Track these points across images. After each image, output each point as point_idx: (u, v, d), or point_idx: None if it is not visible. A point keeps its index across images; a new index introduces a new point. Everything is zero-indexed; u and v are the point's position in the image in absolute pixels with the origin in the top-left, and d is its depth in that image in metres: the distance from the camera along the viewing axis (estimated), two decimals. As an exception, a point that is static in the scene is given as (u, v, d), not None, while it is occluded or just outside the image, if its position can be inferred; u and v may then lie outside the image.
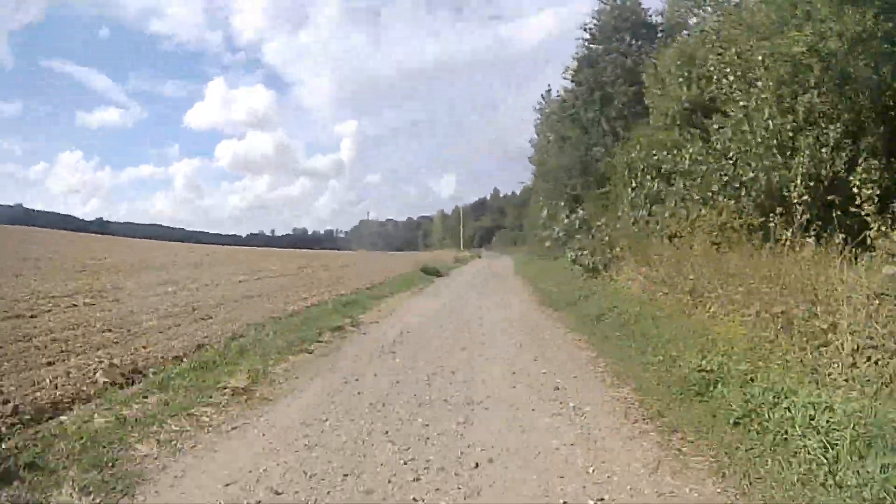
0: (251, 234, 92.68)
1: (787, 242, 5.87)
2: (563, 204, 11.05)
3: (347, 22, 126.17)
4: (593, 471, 2.83)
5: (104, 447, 3.04)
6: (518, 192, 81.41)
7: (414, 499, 2.56)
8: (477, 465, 2.93)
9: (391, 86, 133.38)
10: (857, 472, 2.39)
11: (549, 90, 25.76)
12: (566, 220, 10.69)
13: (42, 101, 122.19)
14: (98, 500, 2.50)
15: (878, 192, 4.89)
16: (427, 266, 18.17)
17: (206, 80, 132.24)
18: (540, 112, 26.97)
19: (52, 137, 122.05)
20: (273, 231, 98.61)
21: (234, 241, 74.98)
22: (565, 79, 19.31)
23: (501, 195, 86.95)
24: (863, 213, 4.75)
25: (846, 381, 3.32)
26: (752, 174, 7.07)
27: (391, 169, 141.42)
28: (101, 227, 69.01)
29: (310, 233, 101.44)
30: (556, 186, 19.25)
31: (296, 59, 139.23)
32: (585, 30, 18.21)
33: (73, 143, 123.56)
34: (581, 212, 10.78)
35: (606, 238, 9.89)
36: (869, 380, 3.24)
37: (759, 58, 7.46)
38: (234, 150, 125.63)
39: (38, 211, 72.52)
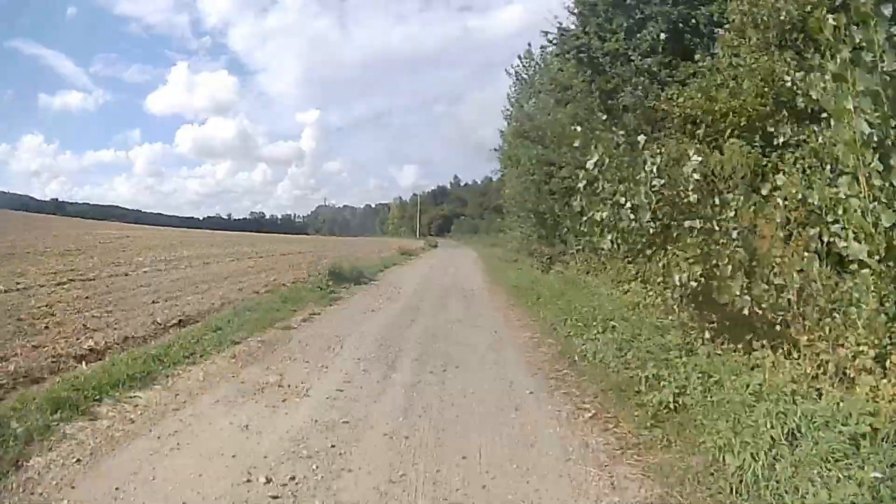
0: (208, 217, 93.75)
1: None
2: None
3: (314, 7, 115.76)
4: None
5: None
6: (479, 181, 76.25)
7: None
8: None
9: (356, 75, 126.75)
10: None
11: (529, 48, 19.73)
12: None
13: (6, 82, 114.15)
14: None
15: None
16: (340, 269, 10.77)
17: (170, 65, 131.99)
18: (516, 76, 21.03)
19: (14, 119, 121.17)
20: (230, 215, 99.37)
21: (189, 223, 77.32)
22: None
23: (462, 184, 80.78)
24: None
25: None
26: None
27: (353, 158, 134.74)
28: (56, 207, 73.10)
29: (267, 217, 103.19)
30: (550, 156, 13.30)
31: (261, 44, 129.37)
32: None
33: (35, 126, 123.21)
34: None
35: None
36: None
37: None
38: (194, 136, 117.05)
39: (-10, 191, 71.86)
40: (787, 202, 3.89)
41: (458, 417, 3.51)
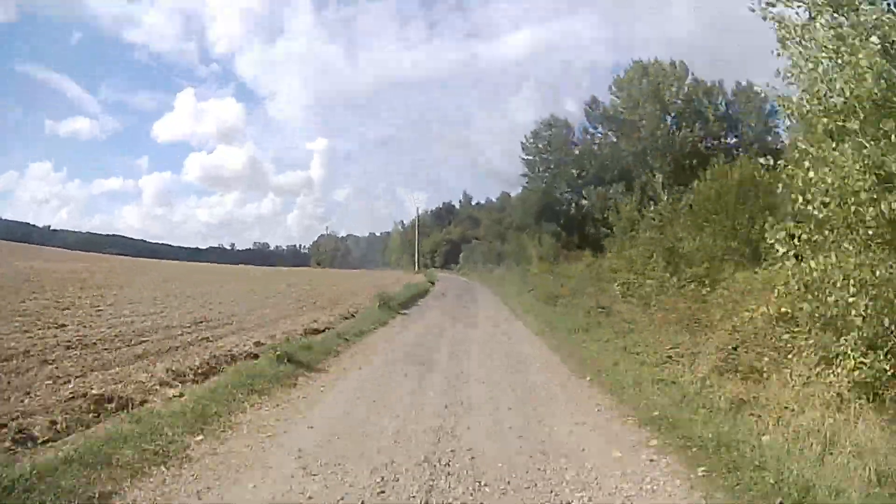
0: (211, 247, 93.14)
1: None
2: None
3: (322, 34, 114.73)
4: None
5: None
6: (495, 199, 64.80)
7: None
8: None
9: (364, 101, 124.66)
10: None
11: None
12: None
13: (14, 106, 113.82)
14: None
15: None
16: None
17: (177, 91, 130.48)
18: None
19: (22, 145, 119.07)
20: (233, 245, 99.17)
21: (194, 254, 76.94)
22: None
23: (473, 202, 69.47)
24: None
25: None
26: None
27: (362, 185, 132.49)
28: (46, 237, 68.75)
29: (272, 248, 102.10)
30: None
31: (269, 71, 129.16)
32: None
33: (43, 153, 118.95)
34: None
35: None
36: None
37: None
38: (203, 164, 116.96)
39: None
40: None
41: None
